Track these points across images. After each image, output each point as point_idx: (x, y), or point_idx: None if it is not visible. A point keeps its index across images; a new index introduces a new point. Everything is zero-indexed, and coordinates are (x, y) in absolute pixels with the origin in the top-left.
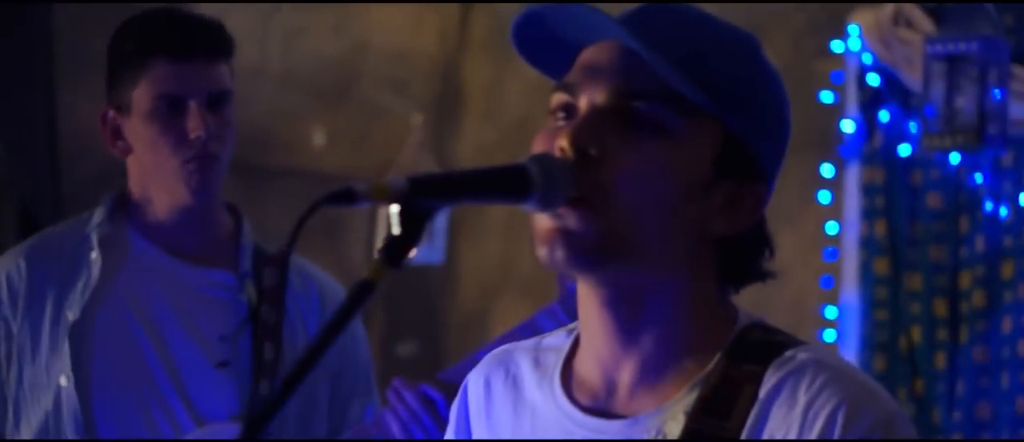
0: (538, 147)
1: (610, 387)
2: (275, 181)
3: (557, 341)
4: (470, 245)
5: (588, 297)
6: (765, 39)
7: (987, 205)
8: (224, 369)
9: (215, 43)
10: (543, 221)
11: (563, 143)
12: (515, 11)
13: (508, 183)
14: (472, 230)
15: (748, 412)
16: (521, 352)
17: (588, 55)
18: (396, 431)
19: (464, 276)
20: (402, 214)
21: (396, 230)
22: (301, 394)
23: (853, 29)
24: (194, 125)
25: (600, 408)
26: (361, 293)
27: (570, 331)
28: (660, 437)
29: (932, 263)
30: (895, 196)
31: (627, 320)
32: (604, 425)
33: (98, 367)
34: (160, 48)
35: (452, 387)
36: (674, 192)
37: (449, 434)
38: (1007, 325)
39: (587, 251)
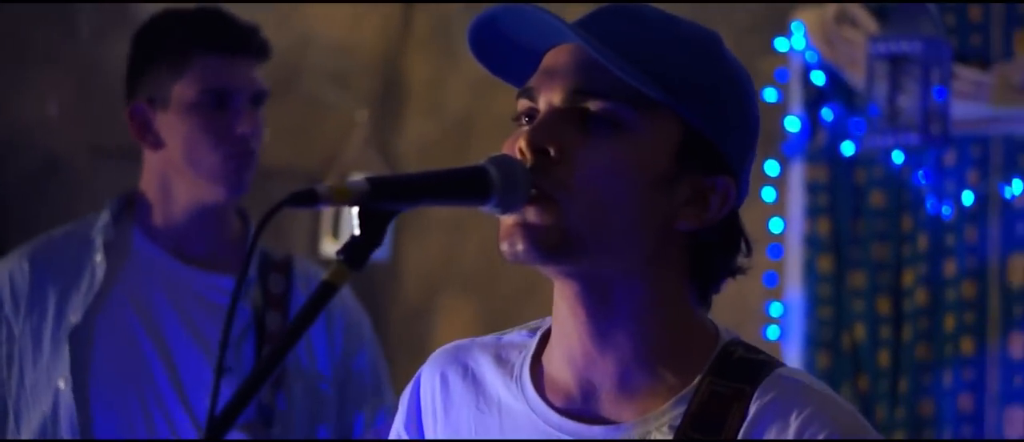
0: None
1: (586, 390)
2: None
3: (519, 339)
4: (413, 241)
5: (560, 294)
6: None
7: (930, 204)
8: (226, 375)
9: (257, 43)
10: (506, 219)
11: (522, 144)
12: (457, 9)
13: (468, 185)
14: (415, 226)
15: (738, 429)
16: (479, 348)
17: (547, 59)
18: None
19: (407, 272)
20: (362, 216)
21: (356, 232)
22: (307, 399)
23: (797, 27)
24: (242, 121)
25: (577, 411)
26: (322, 295)
27: (532, 330)
28: None
29: (875, 261)
30: (839, 194)
31: (599, 317)
32: (584, 429)
33: (99, 370)
34: (209, 42)
35: None
36: (634, 186)
37: (397, 424)
38: (949, 323)
39: (548, 243)
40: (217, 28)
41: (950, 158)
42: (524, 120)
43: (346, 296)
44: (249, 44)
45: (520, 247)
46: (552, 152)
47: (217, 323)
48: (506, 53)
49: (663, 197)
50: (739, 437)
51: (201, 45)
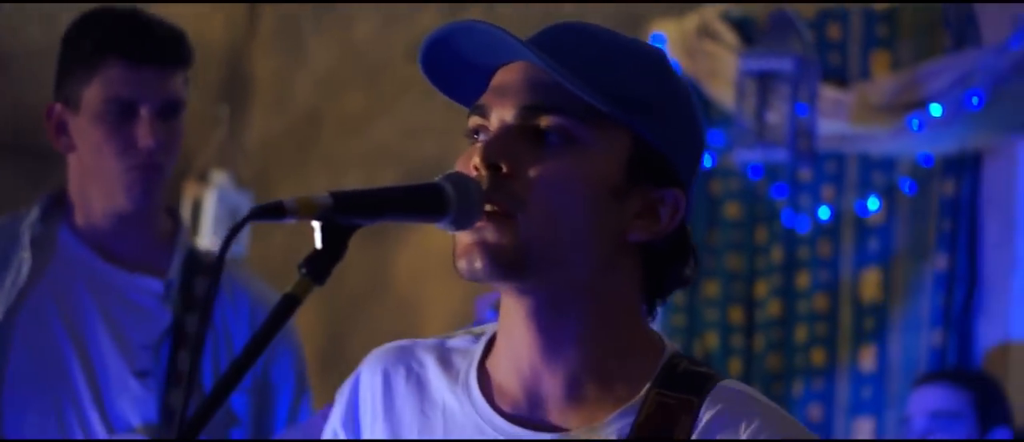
0: (458, 170)
1: (533, 398)
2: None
3: (463, 344)
4: (258, 238)
5: (511, 309)
6: None
7: (785, 217)
8: (144, 378)
9: (173, 51)
10: (462, 237)
11: (476, 160)
12: (303, 6)
13: (425, 202)
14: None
15: (687, 439)
16: (424, 351)
17: (498, 77)
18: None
19: (251, 269)
20: (325, 230)
21: (319, 245)
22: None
23: (657, 38)
24: (144, 133)
25: (523, 417)
26: (286, 308)
27: (476, 336)
28: None
29: (729, 271)
30: (694, 204)
31: (551, 330)
32: (530, 435)
33: (15, 367)
34: (116, 49)
35: None
36: (588, 199)
37: (333, 421)
38: (801, 334)
39: (506, 261)
40: (128, 34)
41: (806, 174)
42: (476, 137)
43: (271, 301)
44: (162, 52)
45: (479, 265)
46: (505, 168)
47: (139, 324)
48: (457, 72)
49: (615, 209)
50: None
51: (111, 51)
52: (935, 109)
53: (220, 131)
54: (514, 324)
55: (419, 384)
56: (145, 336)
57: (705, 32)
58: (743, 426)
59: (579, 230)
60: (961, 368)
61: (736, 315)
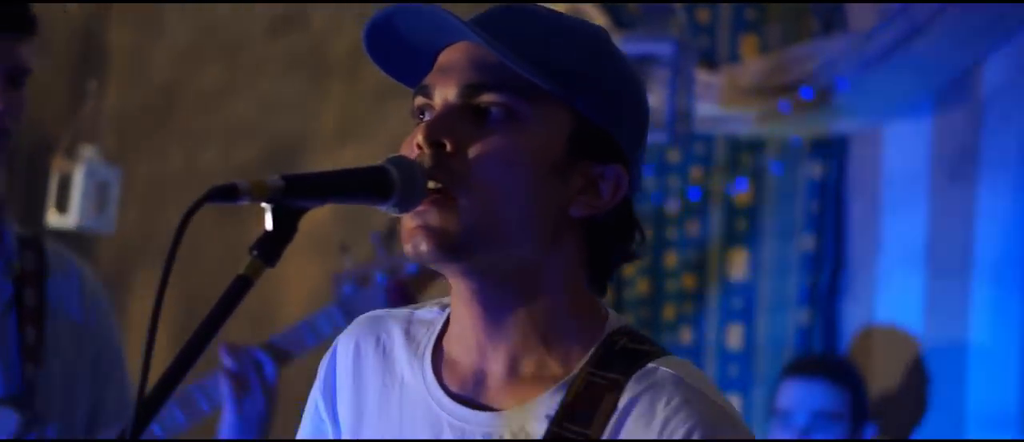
0: (403, 152)
1: (478, 377)
2: None
3: (429, 315)
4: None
5: (457, 290)
6: None
7: (654, 198)
8: None
9: (17, 20)
10: (407, 220)
11: (419, 139)
12: None
13: (371, 184)
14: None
15: (607, 421)
16: (393, 321)
17: (441, 58)
18: (226, 391)
19: (101, 243)
20: (276, 212)
21: (269, 227)
22: (64, 374)
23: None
24: None
25: (467, 396)
26: (239, 288)
27: (444, 306)
28: (523, 437)
29: None
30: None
31: (494, 310)
32: (469, 415)
33: None
34: None
35: (279, 351)
36: (530, 175)
37: (314, 391)
38: (669, 313)
39: (451, 244)
40: None
41: (675, 155)
42: (421, 117)
43: (89, 274)
44: (5, 20)
45: (424, 248)
46: (448, 146)
47: None
48: (401, 54)
49: (557, 185)
50: (608, 428)
51: None
52: (805, 93)
53: (86, 105)
54: (461, 304)
55: (385, 356)
56: None
57: (577, 15)
58: (661, 407)
59: (521, 207)
60: (833, 358)
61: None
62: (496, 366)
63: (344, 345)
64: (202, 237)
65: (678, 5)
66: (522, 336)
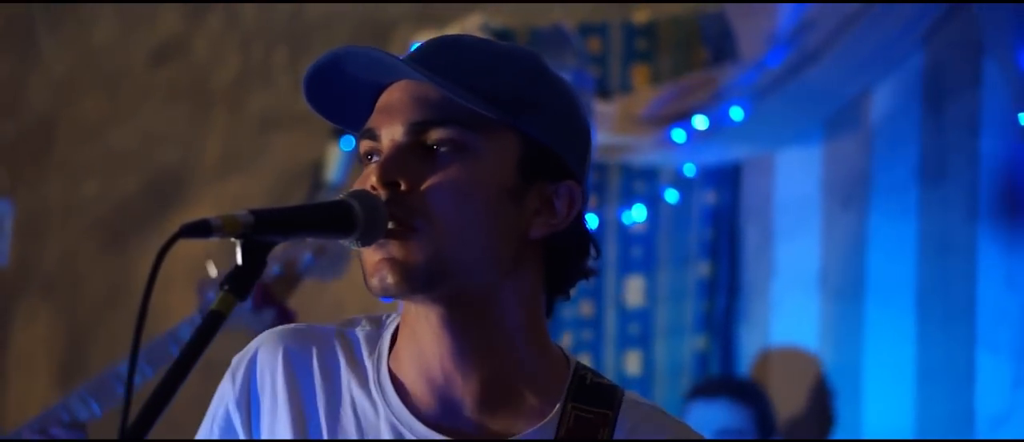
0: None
1: (447, 403)
2: None
3: (363, 334)
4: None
5: (420, 316)
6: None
7: None
8: None
9: None
10: (369, 255)
11: (373, 181)
12: (37, 8)
13: (335, 219)
14: None
15: None
16: (323, 339)
17: (382, 98)
18: None
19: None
20: (245, 247)
21: (239, 262)
22: None
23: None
24: None
25: (436, 421)
26: (212, 324)
27: (376, 325)
28: None
29: None
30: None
31: (463, 336)
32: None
33: None
34: None
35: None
36: (486, 203)
37: (227, 400)
38: (567, 341)
39: (416, 275)
40: None
41: None
42: (370, 160)
43: None
44: None
45: (390, 280)
46: (403, 185)
47: None
48: (340, 98)
49: (513, 209)
50: None
51: None
52: (698, 121)
53: None
54: (423, 331)
55: (326, 375)
56: None
57: None
58: (660, 435)
59: (481, 235)
60: (734, 379)
61: None
62: (467, 394)
63: (267, 353)
64: (85, 272)
65: (570, 33)
66: (494, 363)
